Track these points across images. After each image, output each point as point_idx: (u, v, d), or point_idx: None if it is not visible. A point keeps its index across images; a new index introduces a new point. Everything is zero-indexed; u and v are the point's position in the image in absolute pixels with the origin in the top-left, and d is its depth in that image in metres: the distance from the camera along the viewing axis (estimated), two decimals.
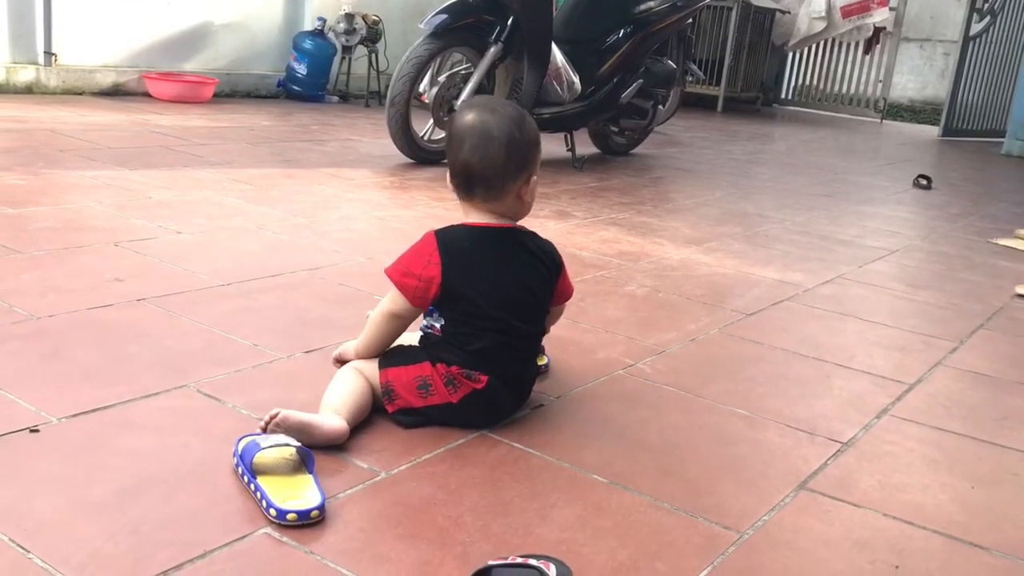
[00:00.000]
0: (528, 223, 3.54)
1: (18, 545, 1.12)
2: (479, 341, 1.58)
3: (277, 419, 1.41)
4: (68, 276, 2.17)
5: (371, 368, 1.61)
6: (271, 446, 1.33)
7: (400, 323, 1.64)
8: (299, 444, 1.36)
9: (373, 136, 5.03)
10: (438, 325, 1.61)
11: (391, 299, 1.62)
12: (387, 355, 1.63)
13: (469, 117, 1.60)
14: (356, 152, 4.51)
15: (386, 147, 4.40)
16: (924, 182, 5.37)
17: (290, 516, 1.23)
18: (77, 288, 2.08)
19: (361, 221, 3.11)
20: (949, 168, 6.68)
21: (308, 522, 1.24)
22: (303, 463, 1.35)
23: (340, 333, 1.95)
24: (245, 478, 1.31)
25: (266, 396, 1.62)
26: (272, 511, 1.24)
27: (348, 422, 1.49)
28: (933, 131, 9.29)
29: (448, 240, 1.59)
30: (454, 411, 1.57)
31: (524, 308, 1.64)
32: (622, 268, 2.84)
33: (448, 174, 1.66)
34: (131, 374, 1.65)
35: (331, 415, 1.48)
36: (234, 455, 1.36)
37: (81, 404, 1.51)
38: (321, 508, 1.26)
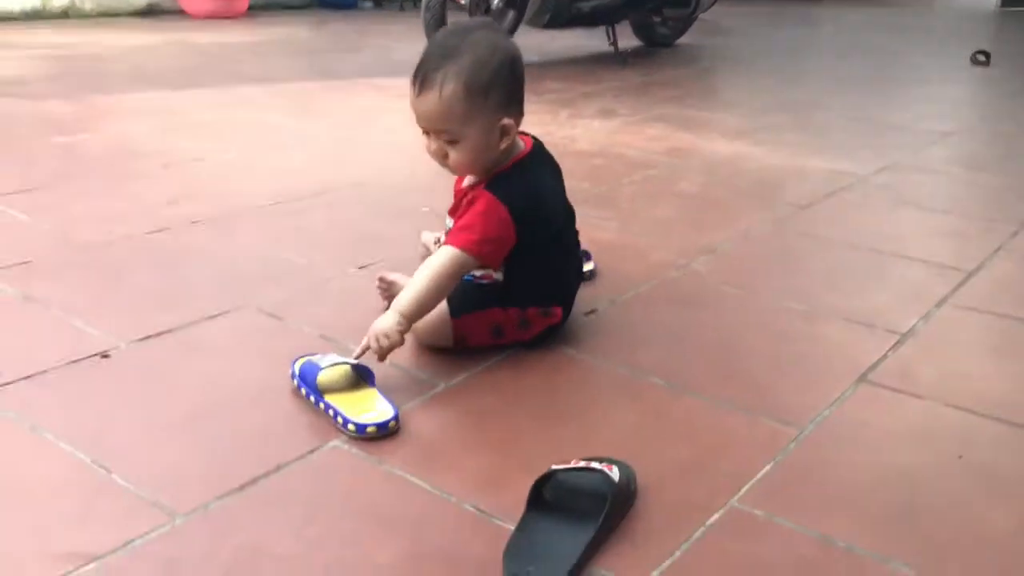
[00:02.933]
0: (573, 123, 3.50)
1: (100, 466, 1.17)
2: (552, 274, 1.56)
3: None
4: (122, 202, 2.20)
5: (439, 312, 1.48)
6: (330, 365, 1.35)
7: (455, 281, 1.48)
8: (355, 361, 1.38)
9: (409, 42, 4.95)
10: (496, 275, 1.53)
11: (459, 263, 1.43)
12: (456, 300, 1.49)
13: (494, 36, 1.48)
14: (392, 60, 4.46)
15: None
16: (982, 58, 5.15)
17: (370, 429, 1.26)
18: (132, 213, 2.11)
19: (402, 132, 3.08)
20: (1008, 41, 6.40)
21: (386, 433, 1.27)
22: (363, 378, 1.38)
23: (391, 247, 1.96)
24: (312, 398, 1.33)
25: (325, 313, 1.65)
26: (351, 426, 1.26)
27: None
28: (991, 2, 8.86)
29: (505, 191, 1.45)
30: (521, 343, 1.56)
31: (572, 215, 1.63)
32: (671, 166, 2.79)
33: (510, 119, 1.46)
34: (193, 296, 1.69)
35: None
36: (292, 377, 1.38)
37: (147, 328, 1.55)
38: (396, 418, 1.29)
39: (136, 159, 2.55)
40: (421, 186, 2.41)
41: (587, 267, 1.87)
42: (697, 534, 1.10)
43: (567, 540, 1.05)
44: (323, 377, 1.34)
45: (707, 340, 1.64)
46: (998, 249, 2.18)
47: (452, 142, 1.45)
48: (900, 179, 2.78)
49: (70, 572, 0.99)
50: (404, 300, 1.42)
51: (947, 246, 2.19)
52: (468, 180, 1.55)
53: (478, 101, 1.41)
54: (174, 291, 1.71)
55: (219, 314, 1.62)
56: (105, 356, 1.46)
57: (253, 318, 1.62)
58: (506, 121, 1.45)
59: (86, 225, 2.02)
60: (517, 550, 1.03)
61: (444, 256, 1.44)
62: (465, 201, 1.50)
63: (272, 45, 4.72)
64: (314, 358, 1.38)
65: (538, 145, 1.58)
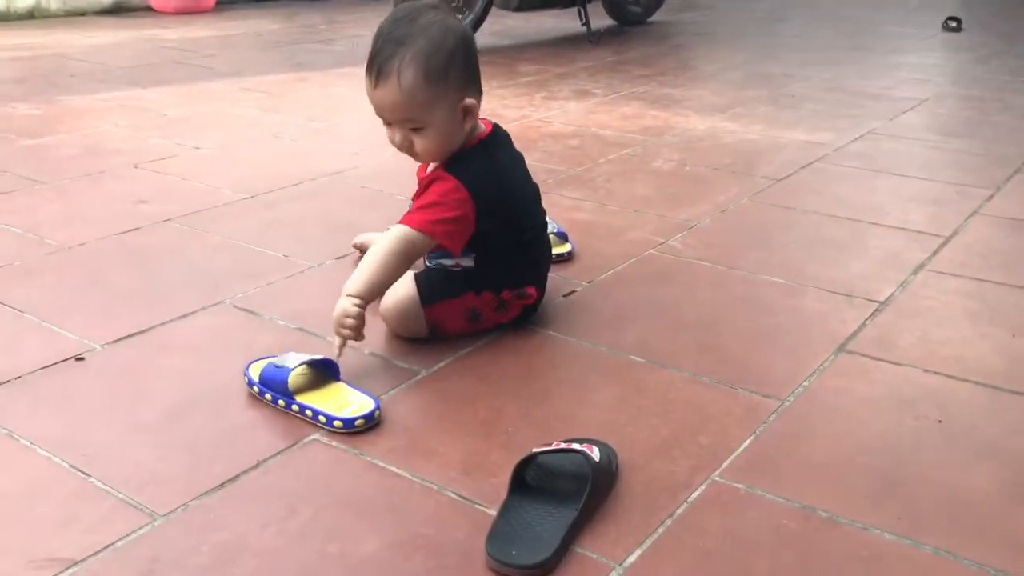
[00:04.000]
0: (548, 105, 3.48)
1: (79, 470, 1.16)
2: (522, 255, 1.54)
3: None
4: (94, 203, 2.18)
5: (410, 301, 1.49)
6: (297, 366, 1.31)
7: (410, 263, 1.46)
8: (315, 358, 1.33)
9: None
10: (465, 263, 1.51)
11: (410, 242, 1.41)
12: (426, 288, 1.49)
13: (443, 18, 1.43)
14: (365, 48, 4.41)
15: None
16: (953, 24, 5.16)
17: (358, 423, 1.25)
18: (104, 214, 2.09)
19: (377, 120, 3.06)
20: (980, 6, 6.40)
21: (373, 423, 1.26)
22: (328, 374, 1.35)
23: None
24: (282, 402, 1.30)
25: (301, 306, 1.63)
26: (337, 423, 1.25)
27: None
28: None
29: (466, 173, 1.43)
30: (501, 326, 1.55)
31: (538, 196, 1.61)
32: (647, 144, 2.79)
33: (472, 99, 1.43)
34: (167, 295, 1.67)
35: None
36: (250, 385, 1.34)
37: (122, 329, 1.54)
38: (379, 407, 1.28)
39: (106, 159, 2.53)
40: (397, 173, 2.40)
41: (565, 248, 1.87)
42: (679, 511, 1.10)
43: (549, 522, 1.05)
44: (295, 378, 1.30)
45: (686, 316, 1.64)
46: (973, 213, 2.19)
47: (417, 130, 1.42)
48: (876, 148, 2.78)
49: None
50: (353, 282, 1.39)
51: (924, 213, 2.20)
52: (432, 165, 1.53)
53: (439, 85, 1.39)
54: (148, 291, 1.70)
55: (194, 312, 1.61)
56: (80, 359, 1.44)
57: (228, 315, 1.61)
58: (468, 101, 1.43)
59: (58, 228, 2.00)
60: (500, 534, 1.03)
61: (394, 236, 1.41)
62: (424, 183, 1.48)
63: (242, 39, 4.68)
64: (274, 360, 1.34)
65: (497, 128, 1.56)
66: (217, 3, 5.74)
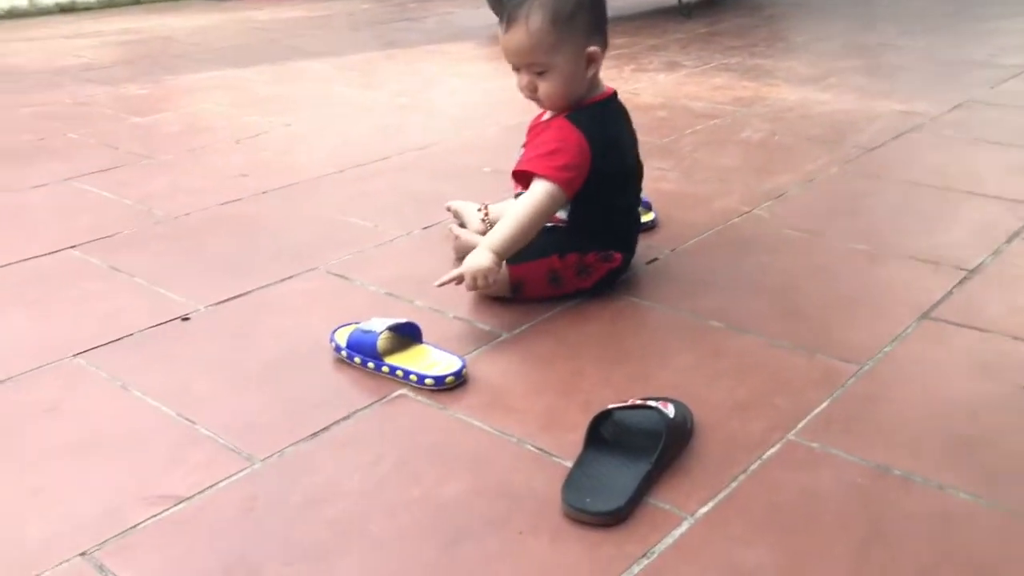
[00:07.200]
0: (637, 77, 3.48)
1: (185, 418, 1.25)
2: (615, 219, 1.58)
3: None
4: (197, 176, 2.29)
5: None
6: (384, 330, 1.37)
7: (548, 219, 1.53)
8: (399, 322, 1.39)
9: (472, 6, 4.97)
10: (563, 215, 1.57)
11: (552, 197, 1.48)
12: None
13: None
14: (455, 26, 4.49)
15: (485, 15, 4.34)
16: None
17: (448, 379, 1.31)
18: (207, 187, 2.20)
19: (466, 95, 3.12)
20: None
21: (461, 381, 1.32)
22: (411, 337, 1.40)
23: None
24: (371, 364, 1.36)
25: (390, 272, 1.70)
26: (428, 380, 1.31)
27: None
28: None
29: (585, 123, 1.51)
30: (582, 292, 1.59)
31: (641, 169, 1.65)
32: (736, 115, 2.77)
33: (596, 47, 1.50)
34: (265, 262, 1.76)
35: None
36: (337, 351, 1.39)
37: (224, 292, 1.63)
38: (465, 365, 1.34)
39: (208, 135, 2.65)
40: (485, 146, 2.45)
41: (649, 217, 1.89)
42: (752, 467, 1.13)
43: (623, 474, 1.08)
44: (382, 343, 1.36)
45: (768, 283, 1.64)
46: None
47: (541, 73, 1.50)
48: (974, 116, 2.70)
49: (162, 512, 1.07)
50: (497, 238, 1.47)
51: (1021, 181, 2.14)
52: (547, 116, 1.59)
53: (564, 30, 1.46)
54: (248, 258, 1.79)
55: (290, 277, 1.69)
56: (186, 319, 1.54)
57: (322, 279, 1.69)
58: (592, 48, 1.49)
59: (165, 200, 2.12)
60: (575, 483, 1.07)
61: (537, 192, 1.48)
62: (538, 127, 1.54)
63: (334, 19, 4.80)
64: (360, 326, 1.40)
65: (617, 96, 1.62)
66: None
